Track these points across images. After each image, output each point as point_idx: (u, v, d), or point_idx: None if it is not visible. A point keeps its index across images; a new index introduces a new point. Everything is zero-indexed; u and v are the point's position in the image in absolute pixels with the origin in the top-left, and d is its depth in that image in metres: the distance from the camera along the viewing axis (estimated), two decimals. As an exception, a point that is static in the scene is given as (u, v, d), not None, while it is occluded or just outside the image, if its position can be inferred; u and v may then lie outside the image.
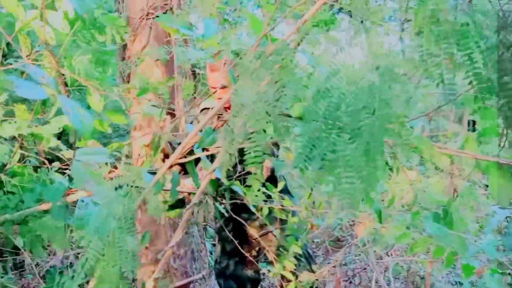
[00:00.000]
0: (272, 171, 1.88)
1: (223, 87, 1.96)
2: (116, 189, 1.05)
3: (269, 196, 1.91)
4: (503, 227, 2.08)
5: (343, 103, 0.87)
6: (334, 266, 2.75)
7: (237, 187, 1.73)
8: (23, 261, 3.00)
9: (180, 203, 1.70)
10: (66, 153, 1.28)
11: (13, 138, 1.39)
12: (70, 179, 1.27)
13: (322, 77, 0.94)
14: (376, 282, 2.38)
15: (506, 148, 1.19)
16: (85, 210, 1.19)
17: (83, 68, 1.54)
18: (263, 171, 1.85)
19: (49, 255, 3.16)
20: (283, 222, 2.01)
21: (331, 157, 0.88)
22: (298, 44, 1.31)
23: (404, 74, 0.92)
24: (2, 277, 2.73)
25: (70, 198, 1.25)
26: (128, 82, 2.69)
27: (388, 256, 2.67)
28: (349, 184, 0.84)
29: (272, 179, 2.04)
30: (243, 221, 2.00)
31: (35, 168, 1.49)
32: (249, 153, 0.96)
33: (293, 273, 1.98)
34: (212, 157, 1.55)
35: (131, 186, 1.08)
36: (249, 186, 1.81)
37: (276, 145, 1.92)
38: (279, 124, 1.03)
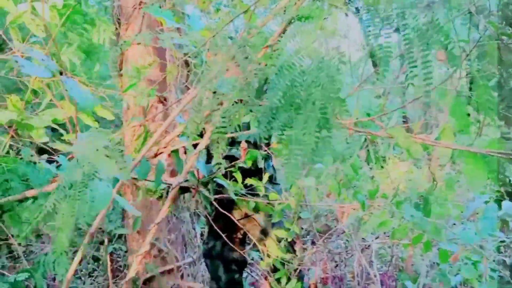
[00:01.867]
0: (256, 162, 1.94)
1: None
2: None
3: (253, 187, 1.97)
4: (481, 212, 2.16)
5: (303, 79, 0.94)
6: (317, 248, 2.83)
7: (221, 180, 1.78)
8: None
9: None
10: (55, 145, 1.33)
11: (7, 127, 1.44)
12: (57, 167, 1.32)
13: (285, 55, 1.02)
14: (360, 266, 2.46)
15: (479, 137, 1.26)
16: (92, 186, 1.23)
17: (71, 61, 1.57)
18: (241, 152, 1.90)
19: (44, 243, 3.22)
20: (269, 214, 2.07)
21: (288, 132, 0.96)
22: (283, 32, 1.36)
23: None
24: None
25: (53, 185, 1.30)
26: (121, 69, 2.73)
27: (373, 241, 2.76)
28: (297, 156, 0.92)
29: (257, 171, 2.10)
30: (226, 210, 2.06)
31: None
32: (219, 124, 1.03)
33: (282, 263, 2.05)
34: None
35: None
36: (235, 180, 1.87)
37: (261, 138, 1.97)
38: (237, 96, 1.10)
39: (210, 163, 2.00)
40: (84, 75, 1.53)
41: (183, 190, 1.73)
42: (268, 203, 1.94)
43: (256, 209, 2.02)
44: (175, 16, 2.73)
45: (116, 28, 2.66)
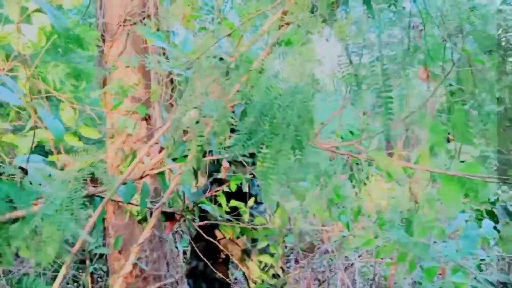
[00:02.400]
0: (241, 186, 1.95)
1: None
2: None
3: (237, 210, 1.96)
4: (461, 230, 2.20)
5: (277, 100, 1.00)
6: (302, 267, 2.83)
7: (206, 205, 1.77)
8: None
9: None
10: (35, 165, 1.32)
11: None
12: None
13: (265, 78, 1.05)
14: (343, 284, 2.47)
15: (456, 160, 1.29)
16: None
17: (57, 80, 1.56)
18: (222, 171, 1.91)
19: (22, 262, 3.14)
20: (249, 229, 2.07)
21: (264, 150, 0.99)
22: (266, 55, 1.38)
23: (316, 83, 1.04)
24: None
25: (37, 206, 1.28)
26: (104, 86, 2.71)
27: (356, 259, 2.77)
28: (272, 175, 0.94)
29: (241, 194, 2.09)
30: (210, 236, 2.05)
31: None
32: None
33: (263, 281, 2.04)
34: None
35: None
36: (219, 205, 1.86)
37: (246, 163, 1.98)
38: (222, 118, 1.12)
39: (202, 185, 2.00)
40: (69, 93, 1.52)
41: (168, 216, 1.72)
42: (253, 228, 1.94)
43: (242, 233, 2.01)
44: (159, 33, 2.74)
45: (99, 46, 2.65)
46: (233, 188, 1.84)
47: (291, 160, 0.97)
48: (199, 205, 1.75)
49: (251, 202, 1.97)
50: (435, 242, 2.92)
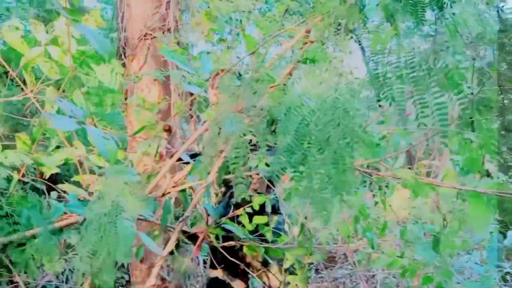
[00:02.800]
0: (263, 206, 1.95)
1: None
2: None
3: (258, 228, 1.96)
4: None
5: (313, 118, 0.95)
6: (325, 281, 2.81)
7: (230, 225, 1.78)
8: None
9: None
10: (63, 186, 1.34)
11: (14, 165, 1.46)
12: (66, 204, 1.33)
13: (293, 95, 1.03)
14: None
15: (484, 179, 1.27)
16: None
17: (82, 103, 1.60)
18: (254, 183, 1.91)
19: (44, 270, 3.20)
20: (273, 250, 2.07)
21: (302, 169, 0.97)
22: (290, 74, 1.38)
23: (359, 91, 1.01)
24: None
25: (63, 222, 1.31)
26: (126, 99, 2.76)
27: (378, 271, 2.73)
28: (321, 192, 0.92)
29: (263, 212, 2.09)
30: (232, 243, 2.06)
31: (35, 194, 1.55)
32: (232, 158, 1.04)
33: None
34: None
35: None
36: (242, 225, 1.86)
37: (271, 182, 1.98)
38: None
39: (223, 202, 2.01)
40: (94, 117, 1.55)
41: (191, 237, 1.73)
42: (277, 248, 1.94)
43: (266, 253, 2.01)
44: (180, 47, 2.77)
45: (121, 59, 2.70)
46: (256, 207, 1.84)
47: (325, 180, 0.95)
48: (222, 225, 1.76)
49: (275, 219, 1.97)
50: (458, 253, 2.87)
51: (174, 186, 1.30)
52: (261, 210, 2.01)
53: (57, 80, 1.45)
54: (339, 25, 1.20)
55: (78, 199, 1.30)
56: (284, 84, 1.33)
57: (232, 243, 1.86)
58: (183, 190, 1.40)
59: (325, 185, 0.97)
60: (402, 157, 1.27)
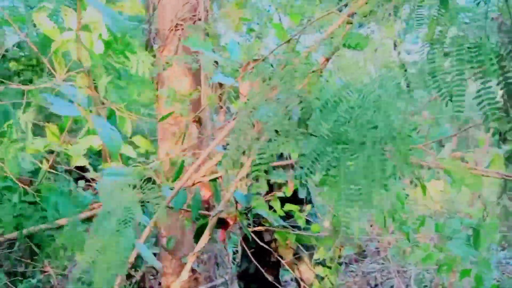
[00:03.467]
0: (296, 195, 1.91)
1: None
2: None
3: (290, 216, 1.93)
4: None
5: (351, 116, 0.88)
6: (356, 275, 2.76)
7: (261, 209, 1.75)
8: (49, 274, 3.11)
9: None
10: (90, 174, 1.35)
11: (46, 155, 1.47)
12: (94, 194, 1.34)
13: (332, 89, 0.96)
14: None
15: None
16: None
17: (111, 90, 1.59)
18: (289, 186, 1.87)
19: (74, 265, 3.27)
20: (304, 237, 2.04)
21: (334, 172, 0.90)
22: (327, 60, 1.33)
23: (410, 89, 0.93)
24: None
25: (91, 212, 1.31)
26: (157, 90, 2.77)
27: (411, 265, 2.66)
28: (349, 201, 0.87)
29: (296, 200, 2.06)
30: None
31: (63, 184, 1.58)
32: (257, 160, 0.99)
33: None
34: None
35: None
36: (273, 209, 1.83)
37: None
38: (289, 135, 1.05)
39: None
40: (121, 102, 1.55)
41: (220, 221, 1.71)
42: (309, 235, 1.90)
43: (297, 240, 1.99)
44: (209, 38, 2.75)
45: (152, 50, 2.71)
46: (288, 193, 1.80)
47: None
48: (253, 209, 1.74)
49: (308, 208, 1.94)
50: (493, 249, 2.76)
51: (203, 176, 1.28)
52: (294, 200, 1.98)
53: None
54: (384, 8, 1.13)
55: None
56: (321, 72, 1.28)
57: (262, 228, 1.84)
58: (214, 180, 1.38)
59: (354, 198, 0.89)
60: (448, 146, 1.21)
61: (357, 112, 0.86)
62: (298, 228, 1.99)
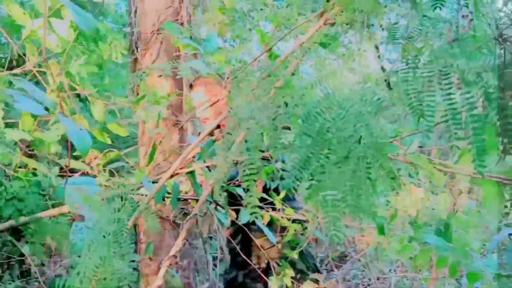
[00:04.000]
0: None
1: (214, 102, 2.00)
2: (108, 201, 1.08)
3: (270, 203, 1.93)
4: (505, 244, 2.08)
5: (333, 127, 0.90)
6: (337, 281, 2.75)
7: (238, 189, 1.73)
8: (30, 269, 3.05)
9: None
10: (65, 161, 1.33)
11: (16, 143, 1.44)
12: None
13: (314, 100, 0.97)
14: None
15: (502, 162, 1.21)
16: (79, 235, 1.23)
17: (82, 75, 1.56)
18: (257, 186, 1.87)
19: (55, 263, 3.20)
20: (283, 230, 2.03)
21: (320, 178, 0.91)
22: (300, 61, 1.35)
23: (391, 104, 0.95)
24: (10, 284, 2.77)
25: (64, 208, 1.29)
26: (137, 94, 2.76)
27: (391, 272, 2.67)
28: (333, 207, 0.87)
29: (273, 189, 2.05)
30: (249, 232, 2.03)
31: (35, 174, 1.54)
32: (244, 170, 0.99)
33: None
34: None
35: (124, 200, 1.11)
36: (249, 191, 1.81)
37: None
38: (274, 140, 1.05)
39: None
40: (93, 88, 1.53)
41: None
42: (282, 217, 1.90)
43: (270, 223, 1.97)
44: (193, 40, 2.76)
45: (134, 53, 2.70)
46: (264, 176, 1.78)
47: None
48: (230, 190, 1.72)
49: (283, 194, 1.93)
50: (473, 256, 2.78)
51: (182, 168, 1.27)
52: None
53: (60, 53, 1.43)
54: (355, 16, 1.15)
55: (82, 173, 1.29)
56: (293, 73, 1.30)
57: (236, 207, 1.81)
58: (192, 172, 1.37)
59: (339, 209, 0.90)
60: (416, 142, 1.22)
61: (338, 124, 0.87)
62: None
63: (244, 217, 1.84)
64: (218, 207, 1.83)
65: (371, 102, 0.92)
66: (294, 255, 2.03)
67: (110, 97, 1.58)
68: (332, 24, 1.20)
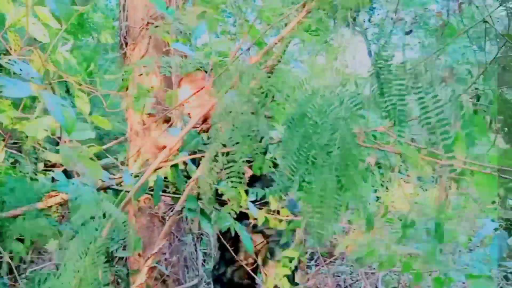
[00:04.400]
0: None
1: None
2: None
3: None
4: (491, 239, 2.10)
5: (315, 132, 0.90)
6: (326, 276, 2.77)
7: (224, 187, 1.71)
8: (18, 266, 3.02)
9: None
10: (48, 155, 1.30)
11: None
12: (53, 180, 1.29)
13: (298, 102, 0.96)
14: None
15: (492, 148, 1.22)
16: (76, 192, 1.19)
17: (66, 63, 1.53)
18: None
19: (44, 261, 3.18)
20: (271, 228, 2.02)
21: (309, 179, 0.91)
22: (284, 52, 1.35)
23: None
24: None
25: (51, 201, 1.27)
26: (127, 89, 2.74)
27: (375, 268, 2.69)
28: (318, 213, 0.88)
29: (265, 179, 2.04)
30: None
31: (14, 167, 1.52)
32: (228, 177, 0.99)
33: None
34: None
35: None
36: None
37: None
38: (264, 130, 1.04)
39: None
40: (79, 75, 1.50)
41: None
42: (275, 218, 1.88)
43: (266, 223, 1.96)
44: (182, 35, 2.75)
45: (123, 48, 2.68)
46: (256, 171, 1.76)
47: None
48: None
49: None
50: (460, 251, 2.80)
51: (165, 161, 1.26)
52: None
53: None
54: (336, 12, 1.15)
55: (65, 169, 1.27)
56: (279, 61, 1.30)
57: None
58: (175, 165, 1.36)
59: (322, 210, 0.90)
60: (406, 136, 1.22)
61: (318, 130, 0.87)
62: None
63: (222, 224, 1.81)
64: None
65: (348, 108, 0.92)
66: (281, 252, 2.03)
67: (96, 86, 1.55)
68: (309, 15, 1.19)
